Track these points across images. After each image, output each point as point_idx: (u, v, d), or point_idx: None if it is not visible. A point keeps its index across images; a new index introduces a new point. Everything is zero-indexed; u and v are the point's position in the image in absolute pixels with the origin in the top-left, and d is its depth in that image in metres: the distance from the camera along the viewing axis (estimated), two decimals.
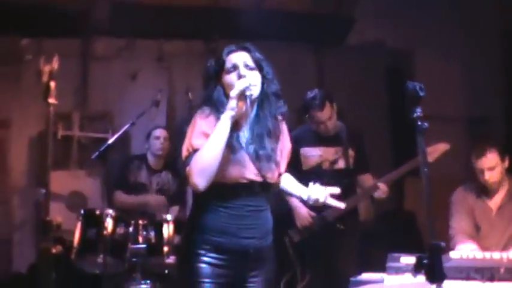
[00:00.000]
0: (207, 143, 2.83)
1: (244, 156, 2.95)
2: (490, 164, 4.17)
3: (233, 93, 2.86)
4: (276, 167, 3.04)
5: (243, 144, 2.99)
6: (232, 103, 2.85)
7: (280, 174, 3.18)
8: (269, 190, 3.06)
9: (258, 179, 2.96)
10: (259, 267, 3.02)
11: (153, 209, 5.60)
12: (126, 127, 4.85)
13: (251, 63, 3.00)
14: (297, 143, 4.82)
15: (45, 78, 2.56)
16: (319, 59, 7.48)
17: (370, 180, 4.87)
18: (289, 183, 3.37)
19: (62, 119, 6.57)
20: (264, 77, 3.02)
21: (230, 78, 2.98)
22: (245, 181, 2.93)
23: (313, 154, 4.84)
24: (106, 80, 7.02)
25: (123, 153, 6.44)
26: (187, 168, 2.86)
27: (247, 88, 2.86)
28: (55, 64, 2.51)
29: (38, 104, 6.34)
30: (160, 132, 5.90)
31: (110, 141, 4.68)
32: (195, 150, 2.85)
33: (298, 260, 4.75)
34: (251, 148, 2.98)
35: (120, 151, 6.23)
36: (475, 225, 4.33)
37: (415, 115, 2.63)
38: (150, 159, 5.93)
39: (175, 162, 6.48)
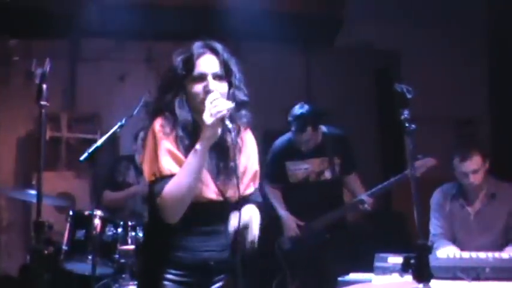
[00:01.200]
0: (181, 178, 2.60)
1: (205, 174, 2.70)
2: (474, 167, 4.19)
3: (209, 120, 2.57)
4: (238, 184, 2.68)
5: None
6: (209, 132, 2.60)
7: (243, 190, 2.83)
8: (228, 208, 2.79)
9: (218, 198, 2.74)
10: (223, 280, 2.84)
11: (141, 203, 5.63)
12: (114, 129, 4.84)
13: (220, 71, 2.72)
14: (282, 157, 4.84)
15: (37, 80, 2.55)
16: (307, 60, 7.51)
17: (355, 181, 4.87)
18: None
19: (50, 120, 6.57)
20: (230, 84, 2.76)
21: (196, 88, 2.70)
22: (204, 200, 2.71)
23: (299, 168, 4.83)
24: (94, 81, 7.03)
25: (112, 154, 6.44)
26: (159, 200, 2.63)
27: (224, 116, 2.59)
28: (47, 67, 2.51)
29: (26, 104, 6.38)
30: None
31: (99, 142, 4.66)
32: (164, 178, 2.63)
33: (288, 266, 4.76)
34: (211, 164, 2.74)
35: (109, 152, 6.21)
36: (453, 230, 4.35)
37: (403, 117, 2.66)
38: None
39: None
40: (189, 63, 2.73)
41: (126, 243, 4.81)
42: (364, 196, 4.64)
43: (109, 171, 5.88)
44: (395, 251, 3.57)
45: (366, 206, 4.66)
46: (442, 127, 6.81)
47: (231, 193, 2.75)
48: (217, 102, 2.60)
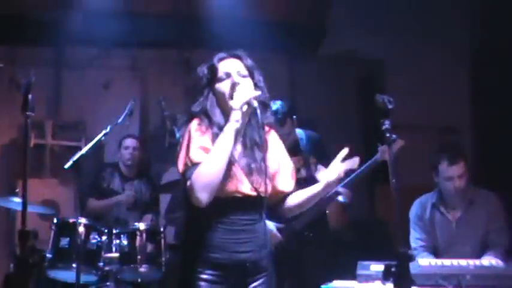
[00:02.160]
0: (210, 157, 2.75)
1: (238, 170, 2.86)
2: (461, 172, 4.23)
3: (236, 104, 2.79)
4: (269, 180, 2.92)
5: (236, 157, 2.90)
6: (236, 115, 2.79)
7: (278, 186, 3.06)
8: (262, 204, 2.91)
9: (252, 193, 2.88)
10: (258, 279, 2.94)
11: (126, 210, 5.64)
12: (99, 137, 4.86)
13: (244, 71, 2.95)
14: None
15: (22, 91, 2.56)
16: (291, 68, 7.54)
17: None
18: (301, 193, 3.13)
19: (35, 127, 6.56)
20: (255, 85, 2.96)
21: (223, 86, 2.91)
22: (240, 195, 2.85)
23: None
24: (79, 88, 7.02)
25: (96, 162, 6.44)
26: (189, 183, 2.77)
27: (251, 99, 2.81)
28: (32, 77, 2.53)
29: (10, 112, 6.37)
30: (129, 143, 5.93)
31: (83, 150, 4.68)
32: (195, 164, 2.77)
33: None
34: (243, 161, 2.90)
35: (94, 159, 6.22)
36: (435, 239, 4.38)
37: (383, 127, 2.70)
38: (122, 167, 5.95)
39: (148, 170, 6.52)
40: (213, 68, 2.95)
41: (111, 251, 4.82)
42: (339, 188, 4.65)
43: (94, 179, 5.90)
44: (378, 258, 3.60)
45: (342, 198, 4.67)
46: (424, 136, 6.86)
47: (262, 189, 2.88)
48: (244, 89, 2.84)
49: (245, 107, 2.82)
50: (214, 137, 2.83)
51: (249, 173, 2.88)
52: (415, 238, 4.42)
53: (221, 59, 2.97)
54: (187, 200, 2.82)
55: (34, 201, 5.27)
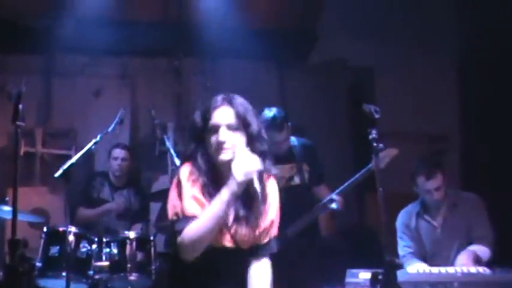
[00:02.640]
0: (203, 220, 2.69)
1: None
2: (438, 184, 4.31)
3: (239, 178, 2.69)
4: (254, 233, 2.87)
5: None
6: (237, 186, 2.70)
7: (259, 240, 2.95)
8: (242, 258, 2.90)
9: (231, 245, 2.82)
10: None
11: (116, 219, 5.64)
12: (89, 146, 4.85)
13: (235, 123, 2.80)
14: None
15: (13, 101, 2.58)
16: (281, 76, 7.57)
17: (325, 191, 4.91)
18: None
19: (25, 135, 6.54)
20: (249, 135, 2.84)
21: (211, 139, 2.80)
22: (218, 246, 2.79)
23: None
24: (69, 96, 7.01)
25: (87, 170, 6.44)
26: (179, 239, 2.72)
27: (253, 178, 2.73)
28: (22, 87, 2.54)
29: None
30: (118, 153, 5.93)
31: (74, 159, 4.68)
32: (186, 217, 2.73)
33: None
34: (231, 210, 2.81)
35: (84, 168, 6.22)
36: (422, 246, 4.42)
37: (370, 136, 2.72)
38: (112, 177, 5.96)
39: (138, 179, 6.52)
40: (207, 115, 2.83)
41: (101, 260, 4.81)
42: (333, 195, 4.68)
43: (84, 188, 5.89)
44: (367, 266, 3.62)
45: (335, 205, 4.68)
46: (413, 143, 6.89)
47: (245, 241, 2.85)
48: (249, 158, 2.73)
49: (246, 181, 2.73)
50: (204, 188, 2.79)
51: (232, 223, 2.82)
52: (403, 246, 4.46)
53: (215, 108, 2.83)
54: (173, 243, 2.80)
55: (24, 209, 5.26)
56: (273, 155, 4.75)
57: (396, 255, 4.19)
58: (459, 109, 7.24)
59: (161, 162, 6.31)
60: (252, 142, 2.84)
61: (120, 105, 5.96)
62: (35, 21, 6.78)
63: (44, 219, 5.53)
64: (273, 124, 4.70)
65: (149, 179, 6.75)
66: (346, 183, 4.72)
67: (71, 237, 4.68)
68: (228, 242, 2.81)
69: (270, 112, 4.78)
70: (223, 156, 2.76)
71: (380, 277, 2.59)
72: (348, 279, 3.59)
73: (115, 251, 4.85)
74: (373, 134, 2.74)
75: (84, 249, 4.78)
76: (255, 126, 2.86)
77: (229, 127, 2.79)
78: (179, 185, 2.81)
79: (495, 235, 4.27)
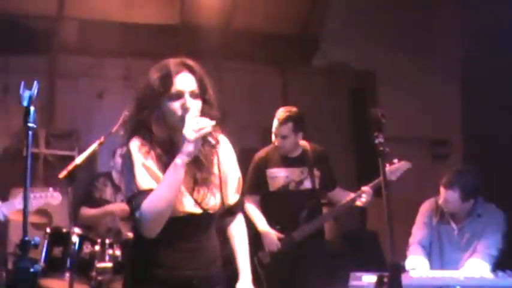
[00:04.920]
0: (160, 191, 2.60)
1: (181, 188, 2.67)
2: (452, 199, 4.20)
3: (191, 136, 2.57)
4: (217, 194, 2.78)
5: None
6: (190, 147, 2.58)
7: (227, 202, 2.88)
8: (210, 220, 2.80)
9: (197, 210, 2.72)
10: None
11: (119, 220, 5.64)
12: (93, 146, 4.86)
13: (196, 89, 2.70)
14: (263, 165, 4.89)
15: (24, 103, 2.59)
16: (284, 79, 7.60)
17: (342, 193, 4.90)
18: (236, 239, 2.98)
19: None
20: (204, 102, 2.74)
21: (174, 106, 2.66)
22: (182, 214, 2.68)
23: (279, 175, 4.87)
24: (73, 98, 7.05)
25: (90, 171, 6.44)
26: (138, 215, 2.60)
27: (207, 133, 2.60)
28: (34, 89, 2.56)
29: (3, 120, 6.37)
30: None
31: (79, 160, 4.68)
32: (141, 192, 2.61)
33: (268, 281, 4.78)
34: (186, 176, 2.67)
35: (87, 169, 6.22)
36: (438, 241, 4.38)
37: (376, 141, 2.73)
38: (116, 176, 5.96)
39: None
40: (167, 81, 2.68)
41: (104, 261, 4.81)
42: (365, 188, 4.63)
43: (86, 188, 5.88)
44: (370, 269, 3.63)
45: (365, 198, 4.62)
46: (415, 147, 6.91)
47: (211, 204, 2.75)
48: (199, 119, 2.61)
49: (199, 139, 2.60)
50: (158, 158, 2.68)
51: (192, 189, 2.73)
52: (416, 233, 4.38)
53: (176, 73, 2.69)
54: (133, 220, 2.70)
55: None
56: (286, 156, 4.84)
57: (401, 258, 4.17)
58: (461, 113, 7.26)
59: None
60: (207, 107, 2.74)
61: (123, 106, 5.95)
62: (38, 22, 6.79)
63: (47, 220, 5.53)
64: (278, 115, 4.75)
65: None
66: (377, 179, 4.61)
67: (74, 238, 4.68)
68: (193, 208, 2.71)
69: (283, 108, 4.83)
70: (195, 130, 2.60)
71: (385, 280, 2.60)
72: (352, 282, 3.60)
73: (118, 252, 4.86)
74: (379, 138, 2.74)
75: (87, 250, 4.78)
76: (210, 91, 2.77)
77: (192, 94, 2.68)
78: (130, 158, 2.67)
79: (502, 250, 4.23)
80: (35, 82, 2.64)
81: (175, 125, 2.68)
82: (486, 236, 4.20)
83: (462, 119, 7.26)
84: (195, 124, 2.58)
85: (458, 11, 7.03)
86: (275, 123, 4.78)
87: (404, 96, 7.25)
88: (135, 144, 2.68)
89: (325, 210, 5.11)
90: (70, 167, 4.60)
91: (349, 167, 7.31)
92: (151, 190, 2.61)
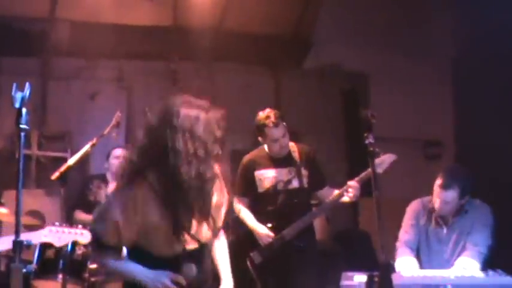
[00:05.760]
0: (123, 271, 2.79)
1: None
2: (448, 199, 4.20)
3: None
4: (214, 224, 2.84)
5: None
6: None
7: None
8: (206, 251, 2.87)
9: (193, 245, 2.78)
10: None
11: None
12: (86, 148, 4.86)
13: None
14: (252, 167, 4.93)
15: (17, 104, 2.60)
16: (276, 81, 7.61)
17: (331, 191, 4.91)
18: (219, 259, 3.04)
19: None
20: None
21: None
22: (183, 251, 2.75)
23: (267, 176, 4.91)
24: (65, 99, 7.03)
25: (83, 173, 6.44)
26: (97, 256, 2.89)
27: None
28: (27, 91, 2.57)
29: None
30: (120, 152, 5.92)
31: (71, 162, 4.68)
32: (107, 244, 2.71)
33: (260, 281, 4.80)
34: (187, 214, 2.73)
35: (80, 171, 6.23)
36: (426, 241, 4.39)
37: (367, 141, 2.75)
38: (110, 179, 5.95)
39: None
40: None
41: None
42: (351, 182, 4.65)
43: (80, 191, 5.88)
44: (361, 269, 3.65)
45: (352, 193, 4.63)
46: (408, 148, 6.93)
47: (206, 236, 2.81)
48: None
49: None
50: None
51: (191, 221, 2.76)
52: (405, 232, 4.37)
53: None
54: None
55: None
56: (273, 157, 4.86)
57: (391, 258, 4.19)
58: (454, 114, 7.29)
59: None
60: None
61: (115, 108, 5.97)
62: (31, 24, 6.79)
63: (40, 222, 5.53)
64: (268, 120, 4.76)
65: None
66: (363, 173, 4.61)
67: None
68: (191, 245, 2.76)
69: (263, 113, 4.84)
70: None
71: (376, 279, 2.62)
72: (343, 282, 3.62)
73: None
74: (370, 138, 2.77)
75: (79, 252, 4.79)
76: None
77: None
78: (121, 205, 2.69)
79: (491, 246, 4.24)
80: (27, 84, 2.65)
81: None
82: (475, 233, 4.22)
83: (454, 120, 7.29)
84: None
85: (450, 12, 7.06)
86: (270, 129, 4.78)
87: (397, 97, 7.27)
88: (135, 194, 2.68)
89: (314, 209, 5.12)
90: (62, 168, 4.61)
91: (342, 168, 7.32)
92: (115, 248, 2.73)
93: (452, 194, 4.16)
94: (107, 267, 2.85)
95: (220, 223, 2.89)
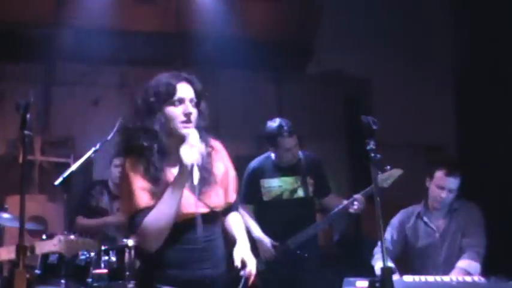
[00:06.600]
0: (161, 209, 2.74)
1: (185, 192, 2.80)
2: (454, 186, 4.23)
3: (188, 161, 2.72)
4: (219, 192, 2.94)
5: None
6: (186, 172, 2.74)
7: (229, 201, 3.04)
8: (217, 218, 2.96)
9: (204, 210, 2.85)
10: None
11: (115, 229, 5.64)
12: (89, 153, 4.87)
13: (194, 99, 2.89)
14: (257, 175, 4.92)
15: (21, 111, 2.64)
16: (279, 86, 7.63)
17: (336, 199, 4.92)
18: (234, 226, 3.14)
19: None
20: (199, 112, 2.92)
21: (174, 111, 2.84)
22: (190, 216, 2.80)
23: (273, 185, 4.90)
24: (68, 105, 7.07)
25: (85, 179, 6.45)
26: (139, 231, 2.75)
27: (197, 160, 2.75)
28: (31, 97, 2.60)
29: None
30: (120, 161, 5.91)
31: (74, 167, 4.69)
32: (142, 210, 2.75)
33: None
34: (189, 181, 2.80)
35: (82, 176, 6.24)
36: (412, 247, 4.40)
37: (368, 147, 2.77)
38: (111, 185, 5.97)
39: None
40: (170, 88, 2.85)
41: (99, 267, 4.81)
42: (356, 195, 4.66)
43: (82, 196, 5.88)
44: (364, 275, 3.66)
45: (357, 206, 4.65)
46: (409, 154, 6.95)
47: (216, 203, 2.90)
48: (195, 146, 2.76)
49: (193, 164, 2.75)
50: (146, 172, 2.81)
51: (196, 190, 2.81)
52: (386, 240, 4.39)
53: (178, 82, 2.88)
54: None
55: None
56: (279, 166, 4.87)
57: (392, 262, 4.19)
58: (455, 119, 7.30)
59: None
60: (201, 117, 2.94)
61: (118, 114, 5.96)
62: (34, 30, 6.82)
63: (43, 227, 5.54)
64: (281, 131, 4.75)
65: None
66: (369, 187, 4.63)
67: None
68: (200, 208, 2.84)
69: (274, 122, 4.83)
70: (187, 130, 2.81)
71: (377, 285, 2.63)
72: None
73: (113, 258, 4.85)
74: (371, 144, 2.78)
75: (83, 257, 4.77)
76: (204, 104, 2.98)
77: (191, 101, 2.88)
78: (128, 180, 2.83)
79: (487, 245, 4.26)
80: (31, 90, 2.68)
81: (174, 129, 2.85)
82: (470, 235, 4.23)
83: (455, 125, 7.30)
84: (193, 153, 2.74)
85: (451, 19, 7.08)
86: (283, 139, 4.76)
87: (399, 103, 7.28)
88: (129, 163, 2.86)
89: (318, 216, 5.13)
90: (65, 174, 4.62)
91: (344, 174, 7.34)
92: (149, 207, 2.75)
93: (457, 181, 4.20)
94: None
95: (230, 197, 3.03)
